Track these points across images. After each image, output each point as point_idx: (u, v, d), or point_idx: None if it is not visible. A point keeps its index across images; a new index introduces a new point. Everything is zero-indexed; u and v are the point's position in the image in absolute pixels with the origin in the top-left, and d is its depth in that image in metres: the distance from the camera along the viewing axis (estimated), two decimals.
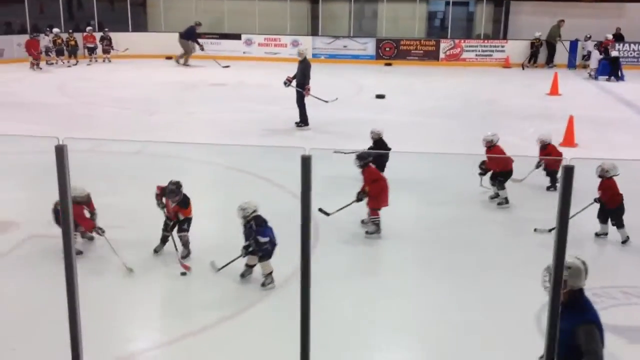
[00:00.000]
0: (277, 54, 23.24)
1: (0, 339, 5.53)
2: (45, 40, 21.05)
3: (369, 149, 9.26)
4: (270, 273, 6.37)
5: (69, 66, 21.20)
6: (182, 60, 21.55)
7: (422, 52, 23.29)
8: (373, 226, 7.77)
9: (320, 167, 2.83)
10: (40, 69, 20.36)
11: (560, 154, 9.56)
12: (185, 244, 7.01)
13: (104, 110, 14.81)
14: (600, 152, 11.06)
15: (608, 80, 19.69)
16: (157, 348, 5.60)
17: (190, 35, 21.49)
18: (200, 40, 21.75)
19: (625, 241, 7.62)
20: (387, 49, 23.30)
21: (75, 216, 6.84)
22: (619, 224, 7.65)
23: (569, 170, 2.48)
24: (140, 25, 24.52)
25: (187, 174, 10.42)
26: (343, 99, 16.46)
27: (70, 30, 21.89)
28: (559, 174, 8.81)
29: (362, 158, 7.73)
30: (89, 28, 22.28)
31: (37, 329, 5.66)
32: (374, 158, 9.08)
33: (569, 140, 11.86)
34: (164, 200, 6.95)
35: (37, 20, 22.68)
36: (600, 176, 7.63)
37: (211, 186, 10.22)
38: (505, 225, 8.55)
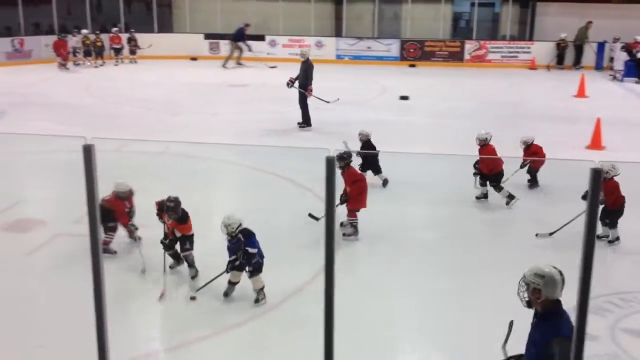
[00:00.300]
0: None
1: (28, 336, 5.60)
2: (72, 41, 21.32)
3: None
4: (262, 288, 6.13)
5: (96, 67, 21.45)
6: (229, 63, 21.68)
7: (446, 53, 23.15)
8: (351, 228, 7.65)
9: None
10: (68, 69, 20.62)
11: (544, 154, 9.36)
12: (191, 263, 6.68)
13: (128, 111, 14.94)
14: (627, 155, 10.89)
15: (638, 82, 19.40)
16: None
17: (240, 37, 21.74)
18: (223, 42, 21.85)
19: (613, 241, 7.56)
20: (412, 50, 23.20)
21: (117, 212, 6.96)
22: (613, 224, 7.57)
23: (597, 174, 2.44)
24: (166, 26, 24.73)
25: (210, 174, 10.56)
26: (366, 100, 16.51)
27: (97, 32, 22.17)
28: (538, 173, 9.32)
29: (343, 159, 7.51)
30: (115, 29, 22.52)
31: (64, 327, 5.72)
32: (365, 160, 9.21)
33: (596, 143, 11.70)
34: (164, 218, 6.64)
35: (64, 21, 22.99)
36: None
37: (233, 186, 10.27)
38: (493, 224, 8.56)
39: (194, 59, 22.96)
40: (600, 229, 7.61)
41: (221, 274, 6.18)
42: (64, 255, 7.05)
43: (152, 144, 11.42)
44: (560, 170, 9.65)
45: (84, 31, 21.69)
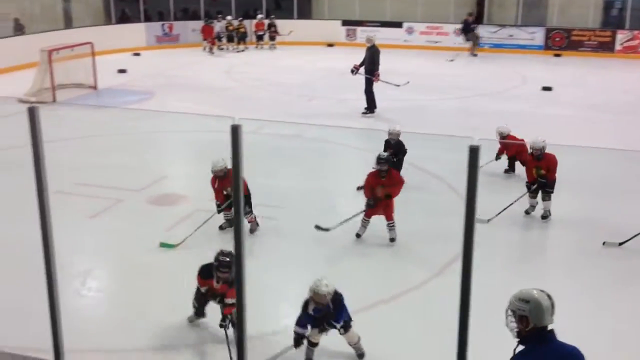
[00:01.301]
0: (438, 43, 22.81)
1: (178, 310, 5.91)
2: (217, 27, 22.25)
3: (387, 150, 8.38)
4: (359, 340, 5.09)
5: (237, 52, 22.25)
6: (474, 51, 21.75)
7: (596, 43, 21.73)
8: (394, 231, 7.20)
9: (486, 159, 2.66)
10: (213, 53, 21.58)
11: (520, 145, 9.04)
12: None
13: (266, 95, 15.38)
14: None
15: None
16: None
17: (467, 29, 21.81)
18: (360, 29, 21.83)
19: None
20: (557, 39, 22.01)
21: (214, 190, 7.19)
22: None
23: None
24: (305, 12, 25.15)
25: (342, 159, 10.64)
26: (505, 90, 15.90)
27: (241, 18, 22.98)
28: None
29: (387, 161, 7.12)
30: (259, 16, 23.21)
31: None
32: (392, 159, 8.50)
33: None
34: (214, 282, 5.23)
35: (209, 7, 24.02)
36: None
37: (363, 173, 10.26)
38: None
39: (330, 45, 23.20)
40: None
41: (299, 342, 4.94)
42: (202, 229, 7.35)
43: (288, 127, 11.68)
44: None
45: (229, 17, 22.55)
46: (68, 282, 6.12)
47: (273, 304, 5.91)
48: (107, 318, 5.92)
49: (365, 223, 7.23)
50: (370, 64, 12.89)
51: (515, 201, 7.68)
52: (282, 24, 23.08)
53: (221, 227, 7.41)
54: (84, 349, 5.01)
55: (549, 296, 3.24)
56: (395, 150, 8.50)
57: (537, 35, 22.16)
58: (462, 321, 2.45)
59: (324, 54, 22.06)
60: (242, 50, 22.35)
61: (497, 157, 9.23)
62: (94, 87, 15.19)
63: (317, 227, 7.18)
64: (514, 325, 3.23)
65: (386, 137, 8.73)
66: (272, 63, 20.33)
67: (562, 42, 21.92)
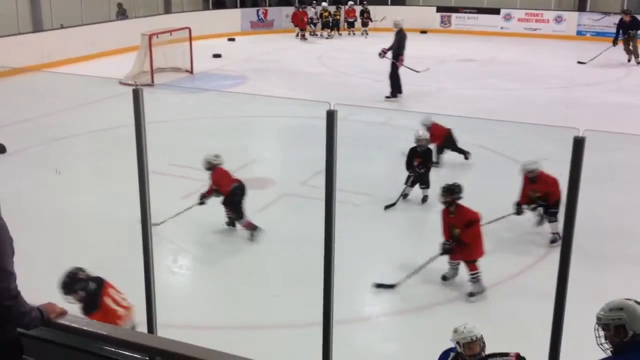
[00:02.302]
0: (537, 30, 21.98)
1: (265, 287, 6.03)
2: (311, 12, 22.36)
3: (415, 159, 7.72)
4: None
5: (328, 37, 22.28)
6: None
7: None
8: (476, 284, 5.87)
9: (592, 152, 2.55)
10: (306, 39, 21.72)
11: (443, 132, 8.96)
12: None
13: (357, 81, 15.33)
14: None
15: None
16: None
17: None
18: (455, 15, 21.32)
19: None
20: None
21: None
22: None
23: None
24: None
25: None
26: (610, 81, 15.16)
27: (336, 4, 22.98)
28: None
29: (451, 191, 5.80)
30: (350, 2, 23.16)
31: (291, 280, 6.08)
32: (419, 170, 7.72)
33: None
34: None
35: None
36: None
37: (453, 163, 10.06)
38: None
39: (423, 32, 22.81)
40: None
41: None
42: (289, 214, 7.43)
43: (379, 114, 11.61)
44: None
45: (324, 4, 22.60)
46: (162, 258, 6.36)
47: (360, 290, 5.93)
48: (197, 295, 6.11)
49: (453, 266, 6.05)
50: (397, 48, 12.93)
51: (496, 219, 6.89)
52: (375, 10, 22.90)
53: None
54: (175, 325, 5.18)
55: (638, 302, 3.08)
56: (424, 159, 7.79)
57: None
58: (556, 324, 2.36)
59: (417, 40, 21.70)
60: (332, 37, 22.35)
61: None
62: (190, 71, 15.63)
63: (380, 286, 5.97)
64: (609, 341, 3.07)
65: (413, 145, 7.89)
66: (363, 49, 20.20)
67: None
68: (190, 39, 15.57)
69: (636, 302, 3.10)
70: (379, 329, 5.68)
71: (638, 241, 6.89)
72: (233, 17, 22.33)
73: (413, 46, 20.11)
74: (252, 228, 6.95)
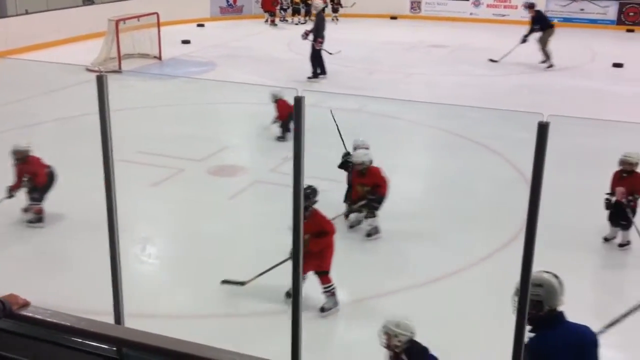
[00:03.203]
0: (505, 16, 22.14)
1: (234, 277, 6.01)
2: None
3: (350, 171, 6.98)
4: None
5: (297, 24, 22.13)
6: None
7: None
8: (330, 298, 5.39)
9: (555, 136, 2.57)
10: (276, 25, 21.56)
11: (288, 109, 9.01)
12: None
13: (328, 68, 15.26)
14: None
15: None
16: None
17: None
18: (425, 1, 21.25)
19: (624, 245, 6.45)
20: (631, 13, 21.04)
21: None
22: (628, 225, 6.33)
23: None
24: None
25: (403, 133, 10.51)
26: (575, 66, 15.38)
27: None
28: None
29: (306, 197, 5.15)
30: None
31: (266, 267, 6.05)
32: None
33: None
34: None
35: None
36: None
37: (424, 149, 10.13)
38: None
39: (393, 17, 22.82)
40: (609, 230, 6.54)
41: None
42: (260, 200, 7.42)
43: (349, 100, 11.60)
44: None
45: None
46: (129, 247, 6.29)
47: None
48: (165, 284, 6.07)
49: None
50: (316, 31, 13.35)
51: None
52: None
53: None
54: (142, 314, 5.14)
55: (556, 276, 3.21)
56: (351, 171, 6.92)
57: (610, 10, 21.24)
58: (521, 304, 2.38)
59: (387, 27, 21.73)
60: (304, 23, 22.23)
61: (274, 121, 9.56)
62: (159, 58, 15.43)
63: (226, 282, 5.65)
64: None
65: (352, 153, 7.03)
66: (333, 36, 20.07)
67: (636, 17, 20.94)
68: (159, 24, 15.34)
69: (554, 275, 3.21)
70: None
71: (598, 225, 6.95)
72: (202, 3, 22.04)
73: (383, 32, 20.34)
74: (40, 215, 6.83)
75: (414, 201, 7.76)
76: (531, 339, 3.12)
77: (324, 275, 5.37)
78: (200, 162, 8.77)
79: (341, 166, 7.18)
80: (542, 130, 2.37)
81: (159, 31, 15.34)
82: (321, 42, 13.38)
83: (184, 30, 19.01)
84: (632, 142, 9.08)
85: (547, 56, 14.89)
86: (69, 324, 2.61)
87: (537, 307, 3.10)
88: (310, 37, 13.48)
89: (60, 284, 5.73)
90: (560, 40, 18.56)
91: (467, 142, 9.54)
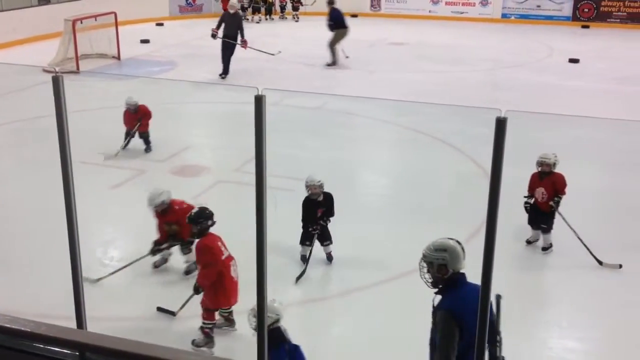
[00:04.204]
0: (464, 13, 22.44)
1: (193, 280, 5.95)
2: None
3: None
4: None
5: (258, 22, 22.05)
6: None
7: (625, 14, 21.23)
8: (201, 336, 4.98)
9: (514, 131, 2.63)
10: None
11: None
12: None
13: (288, 66, 15.26)
14: None
15: None
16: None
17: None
18: None
19: (547, 248, 6.36)
20: (586, 10, 21.54)
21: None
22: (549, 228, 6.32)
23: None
24: None
25: (365, 130, 10.57)
26: (531, 62, 15.66)
27: None
28: None
29: (195, 221, 5.04)
30: None
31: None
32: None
33: None
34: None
35: None
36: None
37: (386, 144, 10.20)
38: None
39: (354, 15, 22.89)
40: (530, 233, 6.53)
41: None
42: (223, 200, 7.37)
43: (310, 99, 11.61)
44: None
45: None
46: (90, 251, 6.19)
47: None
48: (128, 287, 5.98)
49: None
50: (235, 30, 13.46)
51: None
52: None
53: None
54: (105, 317, 5.07)
55: (459, 242, 3.50)
56: (327, 206, 6.13)
57: (566, 6, 21.72)
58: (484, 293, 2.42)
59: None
60: (265, 21, 22.15)
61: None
62: (117, 58, 15.21)
63: (160, 310, 5.40)
64: (430, 275, 3.47)
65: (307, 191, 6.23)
66: (294, 34, 20.13)
67: (590, 13, 21.47)
68: (117, 24, 15.12)
69: (457, 242, 3.49)
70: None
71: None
72: (161, 2, 21.80)
73: None
74: None
75: (376, 196, 7.81)
76: (441, 301, 3.42)
77: (207, 311, 4.99)
78: (163, 162, 8.67)
79: None
80: (500, 125, 2.41)
81: (117, 31, 15.12)
82: (247, 43, 13.44)
83: (143, 29, 18.78)
84: (588, 135, 9.34)
85: (333, 55, 14.87)
86: (29, 330, 2.56)
87: (441, 269, 3.44)
88: (220, 33, 13.43)
89: (17, 289, 5.62)
90: (518, 37, 18.97)
91: (428, 138, 9.64)
